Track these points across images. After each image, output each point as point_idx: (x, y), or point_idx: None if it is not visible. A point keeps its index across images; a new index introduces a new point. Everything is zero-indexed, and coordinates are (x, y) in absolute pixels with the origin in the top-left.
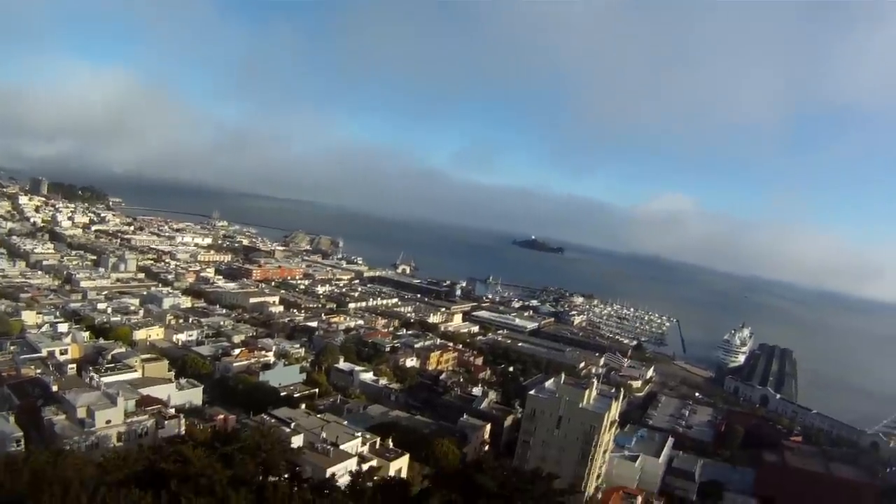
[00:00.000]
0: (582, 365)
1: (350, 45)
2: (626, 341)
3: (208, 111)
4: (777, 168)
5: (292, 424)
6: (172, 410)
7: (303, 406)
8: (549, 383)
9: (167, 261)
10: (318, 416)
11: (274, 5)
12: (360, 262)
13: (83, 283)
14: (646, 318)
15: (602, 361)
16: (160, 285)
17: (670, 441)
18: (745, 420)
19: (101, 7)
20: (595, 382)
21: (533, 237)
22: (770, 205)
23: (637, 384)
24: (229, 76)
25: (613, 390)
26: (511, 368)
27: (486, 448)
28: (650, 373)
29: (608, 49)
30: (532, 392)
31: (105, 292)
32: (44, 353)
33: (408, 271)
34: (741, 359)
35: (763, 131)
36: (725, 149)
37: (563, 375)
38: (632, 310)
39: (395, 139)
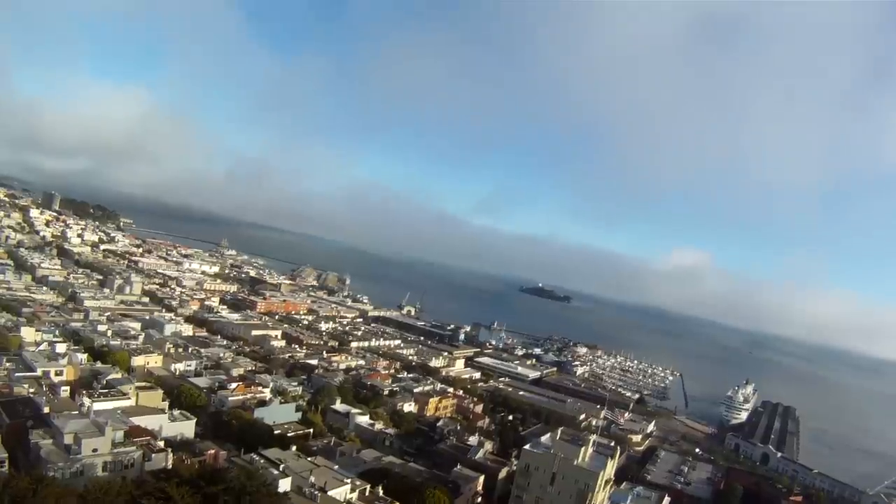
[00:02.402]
0: (582, 417)
1: (377, 85)
2: (628, 394)
3: (227, 138)
4: (798, 229)
5: (281, 467)
6: (161, 443)
7: (294, 448)
8: (544, 438)
9: (173, 286)
10: (309, 458)
11: (304, 37)
12: (366, 300)
13: (87, 303)
14: (649, 371)
15: (602, 414)
16: (164, 311)
17: (667, 500)
18: (744, 478)
19: (128, 27)
20: (591, 439)
21: (540, 284)
22: (786, 264)
23: (637, 438)
24: (252, 105)
25: (612, 444)
26: (510, 417)
27: (479, 500)
28: (651, 427)
29: (638, 100)
30: (527, 447)
31: (108, 313)
32: (39, 372)
33: (413, 313)
34: (743, 415)
35: (789, 193)
36: (748, 207)
37: (559, 431)
38: (635, 362)
39: (413, 182)
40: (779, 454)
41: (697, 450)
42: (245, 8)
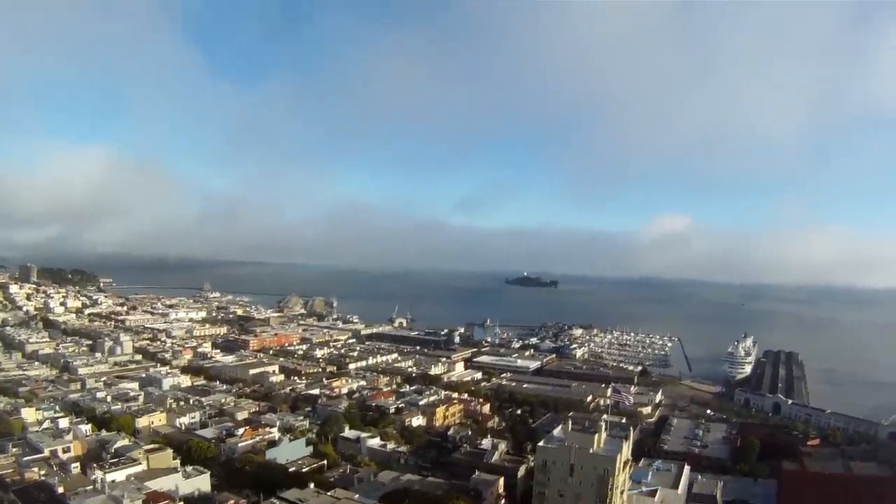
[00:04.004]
0: (589, 399)
1: (346, 102)
2: (630, 368)
3: (198, 180)
4: (786, 176)
5: None
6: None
7: (311, 485)
8: (557, 431)
9: (163, 339)
10: (329, 493)
11: (265, 66)
12: (356, 320)
13: (81, 371)
14: (647, 341)
15: (609, 393)
16: (158, 365)
17: (687, 469)
18: (759, 431)
19: (82, 82)
20: (602, 424)
21: (525, 274)
22: (775, 213)
23: (647, 410)
24: (221, 142)
25: (624, 420)
26: (519, 412)
27: (502, 502)
28: (659, 396)
29: (615, 75)
30: (541, 443)
31: (104, 378)
32: (46, 452)
33: (404, 324)
34: (748, 369)
35: (776, 142)
36: (734, 163)
37: (569, 421)
38: (632, 335)
39: (392, 194)
40: (789, 401)
41: (708, 411)
42: (201, 44)
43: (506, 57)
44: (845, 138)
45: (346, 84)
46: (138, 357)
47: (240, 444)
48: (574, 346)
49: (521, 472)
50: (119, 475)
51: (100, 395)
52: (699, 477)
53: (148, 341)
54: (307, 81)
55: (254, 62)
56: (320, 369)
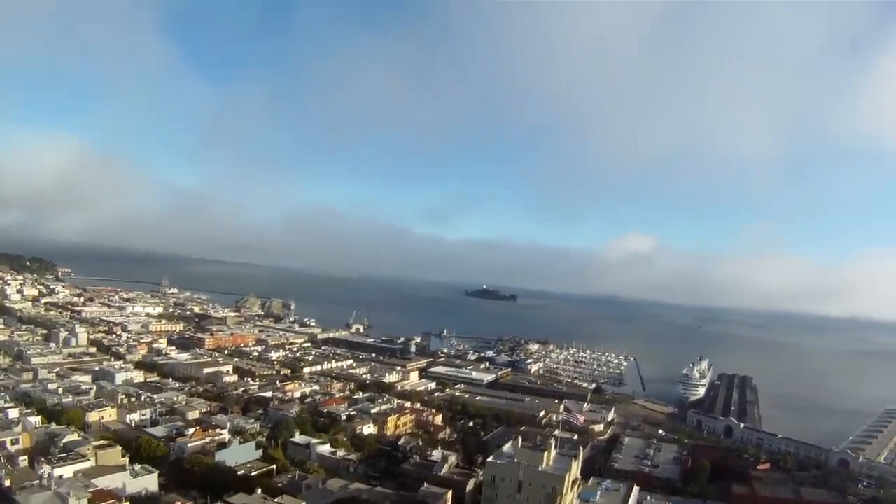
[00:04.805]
0: (542, 414)
1: (319, 106)
2: (584, 385)
3: (166, 175)
4: (754, 204)
5: None
6: None
7: (259, 490)
8: (507, 447)
9: (118, 332)
10: (276, 500)
11: (242, 64)
12: (313, 324)
13: (34, 360)
14: (603, 359)
15: (562, 409)
16: (112, 359)
17: (636, 490)
18: (710, 453)
19: (54, 70)
20: (552, 443)
21: (484, 286)
22: (740, 238)
23: (599, 428)
24: (191, 138)
25: (575, 437)
26: (471, 424)
27: None
28: (611, 415)
29: (592, 93)
30: (490, 459)
31: (57, 370)
32: None
33: (361, 330)
34: (701, 391)
35: (749, 169)
36: (705, 186)
37: (520, 440)
38: (588, 352)
39: (359, 200)
40: (741, 425)
41: (661, 431)
42: (178, 38)
43: (481, 71)
44: (815, 167)
45: (321, 87)
46: (93, 350)
47: (189, 445)
48: (529, 360)
49: (470, 486)
50: (67, 471)
51: (51, 386)
52: (648, 497)
53: (103, 334)
54: (282, 82)
55: (230, 60)
56: (274, 372)
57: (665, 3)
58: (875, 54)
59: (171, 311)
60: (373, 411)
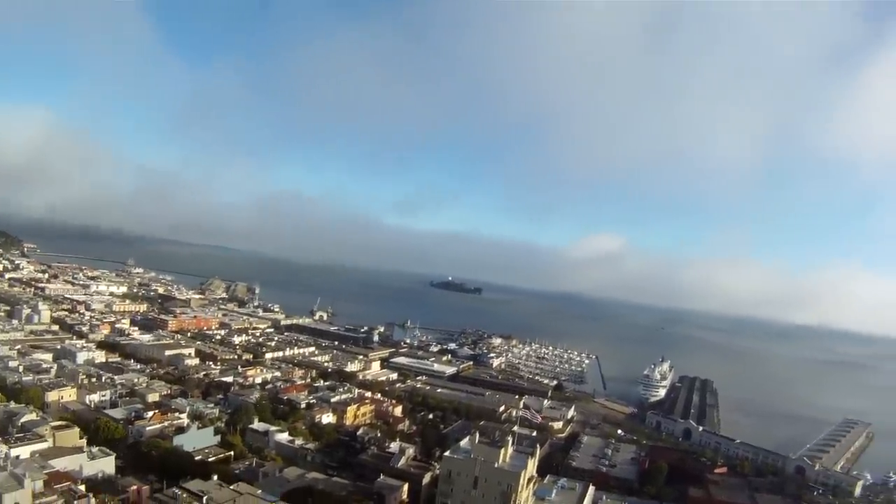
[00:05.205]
0: (502, 409)
1: (295, 90)
2: (545, 381)
3: (137, 152)
4: (726, 209)
5: (204, 499)
6: (83, 487)
7: (215, 477)
8: (464, 442)
9: (82, 311)
10: (232, 487)
11: (223, 47)
12: (277, 309)
13: None
14: (565, 356)
15: (522, 404)
16: (74, 338)
17: (591, 489)
18: (668, 455)
19: (29, 41)
20: (509, 440)
21: (450, 278)
22: (711, 242)
23: (559, 425)
24: (165, 116)
25: (534, 434)
26: (431, 416)
27: None
28: (571, 412)
29: (571, 93)
30: (447, 453)
31: (18, 347)
32: None
33: (325, 318)
34: (662, 393)
35: (725, 175)
36: (675, 189)
37: (477, 435)
38: (550, 349)
39: (331, 188)
40: (700, 428)
41: (620, 431)
42: (157, 16)
43: (462, 67)
44: (790, 177)
45: (299, 74)
46: (55, 328)
47: (148, 428)
48: (492, 355)
49: (427, 479)
50: (24, 451)
51: (12, 364)
52: (604, 497)
53: (66, 312)
54: (260, 67)
55: (210, 41)
56: (236, 356)
57: (652, 9)
58: (854, 68)
59: (135, 290)
60: (333, 400)
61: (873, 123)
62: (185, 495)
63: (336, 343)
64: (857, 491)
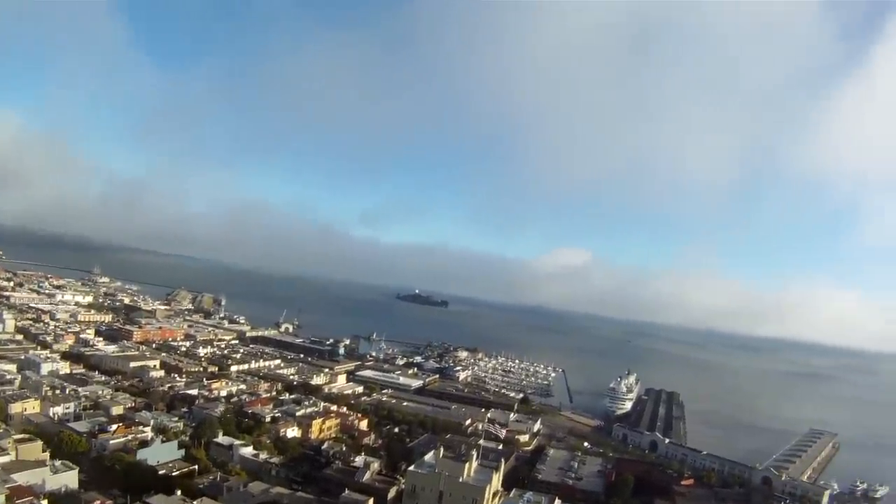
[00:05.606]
0: (468, 422)
1: (269, 102)
2: (512, 394)
3: (106, 160)
4: (693, 224)
5: None
6: (45, 502)
7: (179, 492)
8: (428, 456)
9: (47, 321)
10: (196, 502)
11: (195, 54)
12: (243, 321)
13: None
14: (531, 369)
15: (488, 417)
16: (39, 348)
17: (558, 502)
18: (635, 467)
19: None
20: (474, 455)
21: (417, 291)
22: (679, 256)
23: (525, 438)
24: (134, 124)
25: (500, 447)
26: (396, 430)
27: None
28: (537, 425)
29: (543, 107)
30: (412, 468)
31: None
32: None
33: (291, 330)
34: (628, 405)
35: (694, 191)
36: (644, 204)
37: (441, 449)
38: (517, 362)
39: (300, 198)
40: (666, 440)
41: (586, 444)
42: (130, 18)
43: (432, 78)
44: (759, 193)
45: (272, 83)
46: (19, 337)
47: (111, 442)
48: (458, 368)
49: (392, 493)
50: None
51: None
52: None
53: (31, 321)
54: (232, 75)
55: (182, 46)
56: (202, 368)
57: (624, 27)
58: (827, 88)
59: (100, 300)
60: (298, 414)
61: (842, 143)
62: None
63: (302, 356)
64: (825, 500)
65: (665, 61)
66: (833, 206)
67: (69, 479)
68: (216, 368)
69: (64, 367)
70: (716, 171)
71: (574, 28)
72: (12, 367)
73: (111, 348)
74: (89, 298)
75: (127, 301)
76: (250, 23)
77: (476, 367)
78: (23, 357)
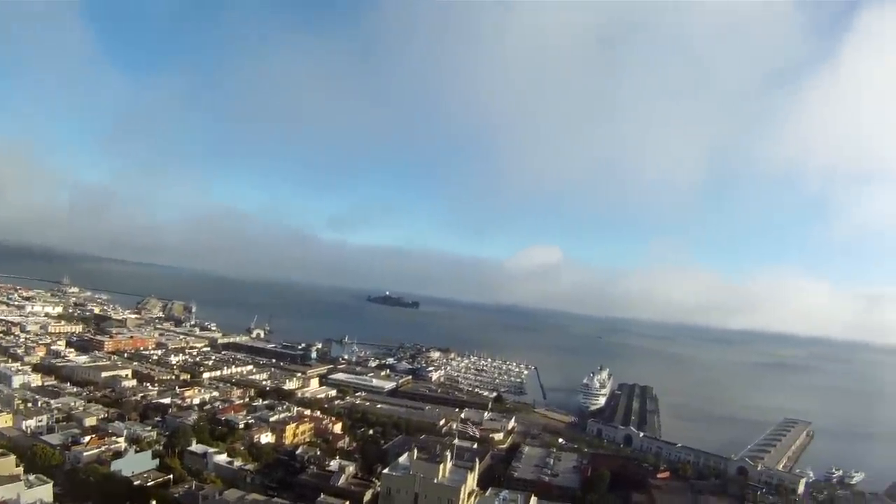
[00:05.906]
0: (442, 422)
1: (236, 107)
2: (485, 393)
3: (71, 168)
4: (670, 222)
5: None
6: None
7: (154, 502)
8: (402, 458)
9: (17, 333)
10: None
11: (161, 59)
12: (214, 328)
13: None
14: (504, 367)
15: (462, 417)
16: (9, 360)
17: (534, 499)
18: (610, 462)
19: None
20: (448, 455)
21: (387, 293)
22: (647, 253)
23: (499, 436)
24: (99, 131)
25: (474, 445)
26: (371, 432)
27: None
28: (512, 423)
29: (516, 109)
30: (386, 470)
31: None
32: None
33: (262, 335)
34: (601, 401)
35: (668, 189)
36: (614, 202)
37: (415, 451)
38: (489, 361)
39: (269, 203)
40: (641, 434)
41: (561, 440)
42: (96, 25)
43: (401, 81)
44: (730, 189)
45: (239, 87)
46: None
47: (85, 453)
48: (431, 368)
49: (368, 496)
50: None
51: None
52: None
53: (1, 334)
54: (199, 79)
55: (148, 51)
56: (174, 377)
57: (593, 27)
58: (796, 84)
59: (70, 311)
60: (271, 419)
61: (811, 138)
62: None
63: (274, 361)
64: (801, 488)
65: (636, 61)
66: (802, 200)
67: (44, 493)
68: (188, 376)
69: (35, 380)
70: (687, 168)
71: (546, 29)
72: None
73: (82, 359)
74: (59, 309)
75: (97, 311)
76: (218, 29)
77: (449, 367)
78: None
